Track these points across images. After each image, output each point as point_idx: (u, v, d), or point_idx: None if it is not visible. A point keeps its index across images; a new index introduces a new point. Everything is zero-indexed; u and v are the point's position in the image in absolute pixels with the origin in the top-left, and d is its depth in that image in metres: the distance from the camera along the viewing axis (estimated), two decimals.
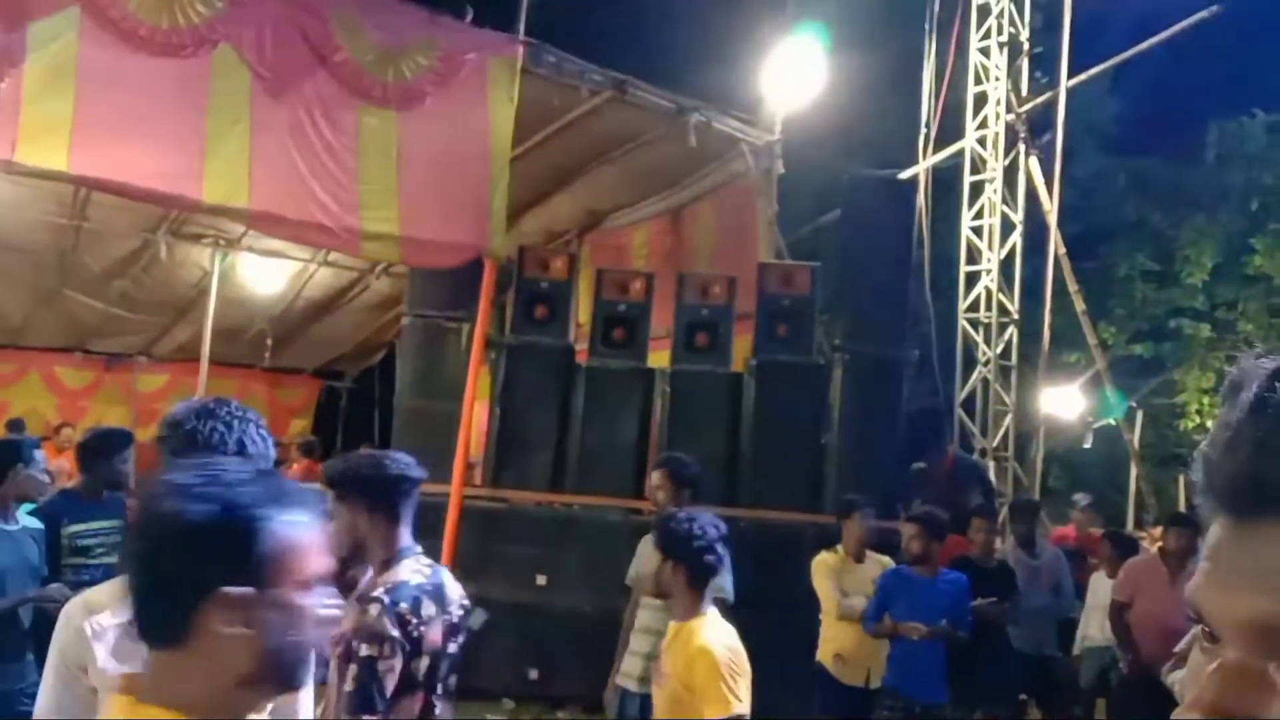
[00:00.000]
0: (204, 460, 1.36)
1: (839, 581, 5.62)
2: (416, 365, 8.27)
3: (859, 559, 5.72)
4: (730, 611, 7.23)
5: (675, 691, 3.14)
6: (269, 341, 13.72)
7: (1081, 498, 9.46)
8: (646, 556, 4.48)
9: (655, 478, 5.00)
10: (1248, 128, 16.26)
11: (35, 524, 4.28)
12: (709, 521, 3.43)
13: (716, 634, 3.21)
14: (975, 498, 8.27)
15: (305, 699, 2.14)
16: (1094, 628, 7.10)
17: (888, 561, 5.73)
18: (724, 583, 4.30)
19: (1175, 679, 2.41)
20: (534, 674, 7.40)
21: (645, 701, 4.37)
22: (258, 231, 9.20)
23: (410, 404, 8.20)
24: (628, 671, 4.76)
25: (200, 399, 2.20)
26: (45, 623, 4.04)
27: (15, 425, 11.15)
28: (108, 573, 4.76)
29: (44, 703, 2.06)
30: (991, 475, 11.09)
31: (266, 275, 12.47)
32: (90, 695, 2.02)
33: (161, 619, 1.27)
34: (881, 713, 5.26)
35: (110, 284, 12.18)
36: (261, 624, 1.23)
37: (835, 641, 5.61)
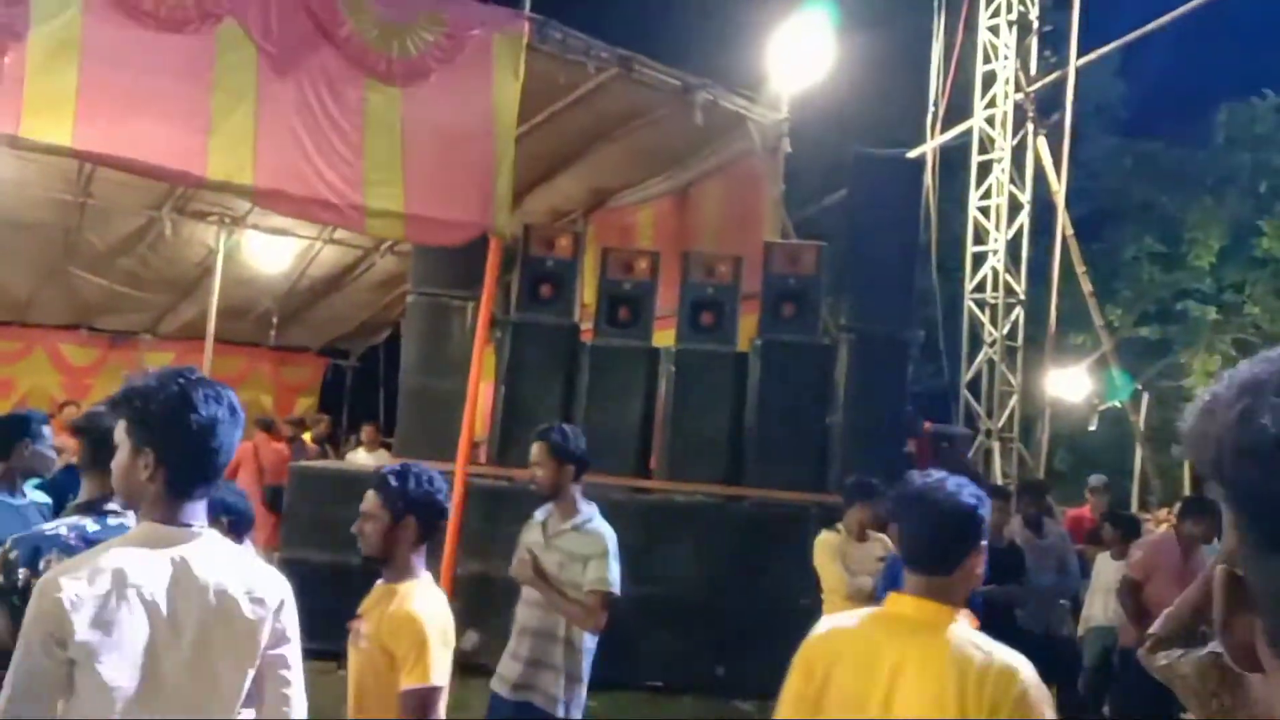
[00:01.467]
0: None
1: (843, 561, 5.62)
2: (421, 344, 8.26)
3: (861, 538, 5.71)
4: (734, 590, 7.25)
5: (373, 656, 2.91)
6: (274, 320, 13.71)
7: (1096, 479, 9.43)
8: (529, 544, 4.14)
9: (534, 451, 4.16)
10: (1257, 109, 16.16)
11: (43, 498, 4.28)
12: (439, 476, 3.16)
13: (428, 601, 2.96)
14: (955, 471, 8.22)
15: None
16: (1097, 608, 7.11)
17: (888, 540, 5.73)
18: (609, 575, 3.99)
19: (1156, 662, 2.39)
20: None
21: (520, 709, 4.04)
22: (263, 208, 9.16)
23: (415, 382, 8.19)
24: (503, 675, 4.17)
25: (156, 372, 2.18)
26: None
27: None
28: None
29: (20, 671, 1.93)
30: (996, 456, 11.09)
31: (272, 253, 12.46)
32: (67, 668, 1.94)
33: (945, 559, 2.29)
34: None
35: (115, 261, 12.18)
36: None
37: None
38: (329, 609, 7.93)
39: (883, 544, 5.70)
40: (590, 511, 4.18)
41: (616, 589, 4.02)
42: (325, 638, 7.89)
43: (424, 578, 3.07)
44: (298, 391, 15.51)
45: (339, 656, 7.54)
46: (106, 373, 13.56)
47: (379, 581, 3.11)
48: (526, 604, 4.17)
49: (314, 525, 7.68)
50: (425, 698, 2.82)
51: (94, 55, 5.68)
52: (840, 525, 5.73)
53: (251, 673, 2.12)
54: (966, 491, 2.34)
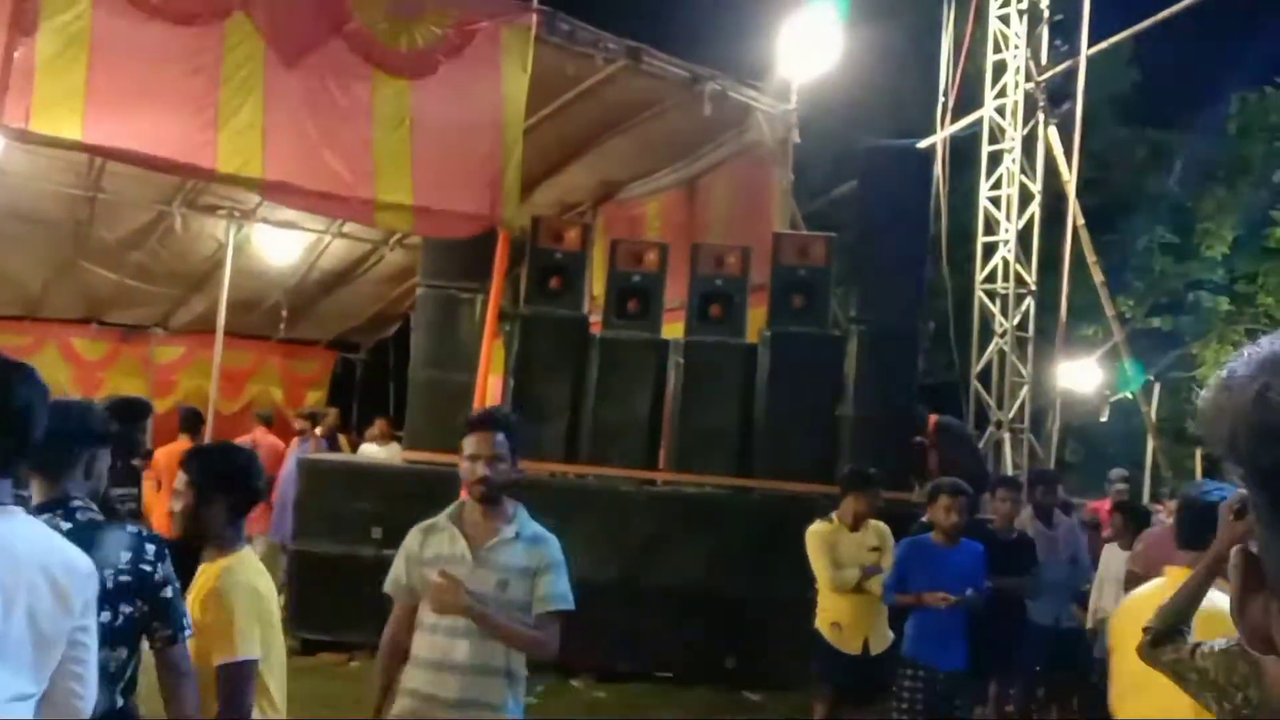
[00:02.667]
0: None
1: (833, 551, 5.60)
2: (431, 336, 8.27)
3: (854, 528, 5.69)
4: (743, 582, 7.25)
5: (195, 638, 2.81)
6: (284, 313, 13.74)
7: (1117, 473, 9.37)
8: (444, 563, 3.29)
9: (487, 442, 3.47)
10: (1269, 99, 16.05)
11: None
12: (250, 453, 3.20)
13: (240, 574, 2.92)
14: (962, 462, 8.20)
15: None
16: (1107, 599, 7.08)
17: (883, 528, 5.71)
18: (561, 589, 3.42)
19: (1163, 656, 2.34)
20: None
21: None
22: (272, 201, 9.20)
23: (424, 375, 8.20)
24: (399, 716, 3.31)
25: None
26: None
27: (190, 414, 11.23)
28: None
29: None
30: (1007, 447, 11.06)
31: (281, 247, 12.48)
32: None
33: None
34: (902, 682, 5.27)
35: (126, 255, 12.21)
36: None
37: (831, 611, 5.60)
38: (340, 601, 7.98)
39: (877, 532, 5.68)
40: (523, 513, 3.55)
41: (571, 605, 3.45)
42: (337, 629, 7.96)
43: (242, 552, 3.03)
44: (307, 385, 15.53)
45: (351, 649, 7.62)
46: (118, 367, 13.62)
47: (203, 563, 3.04)
48: (442, 633, 3.27)
49: (324, 517, 7.72)
50: (235, 671, 2.77)
51: (103, 50, 5.70)
52: (834, 514, 5.72)
53: (63, 647, 2.14)
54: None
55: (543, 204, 11.62)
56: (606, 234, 10.53)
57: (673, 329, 8.63)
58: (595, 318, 8.65)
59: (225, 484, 3.04)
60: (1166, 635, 2.35)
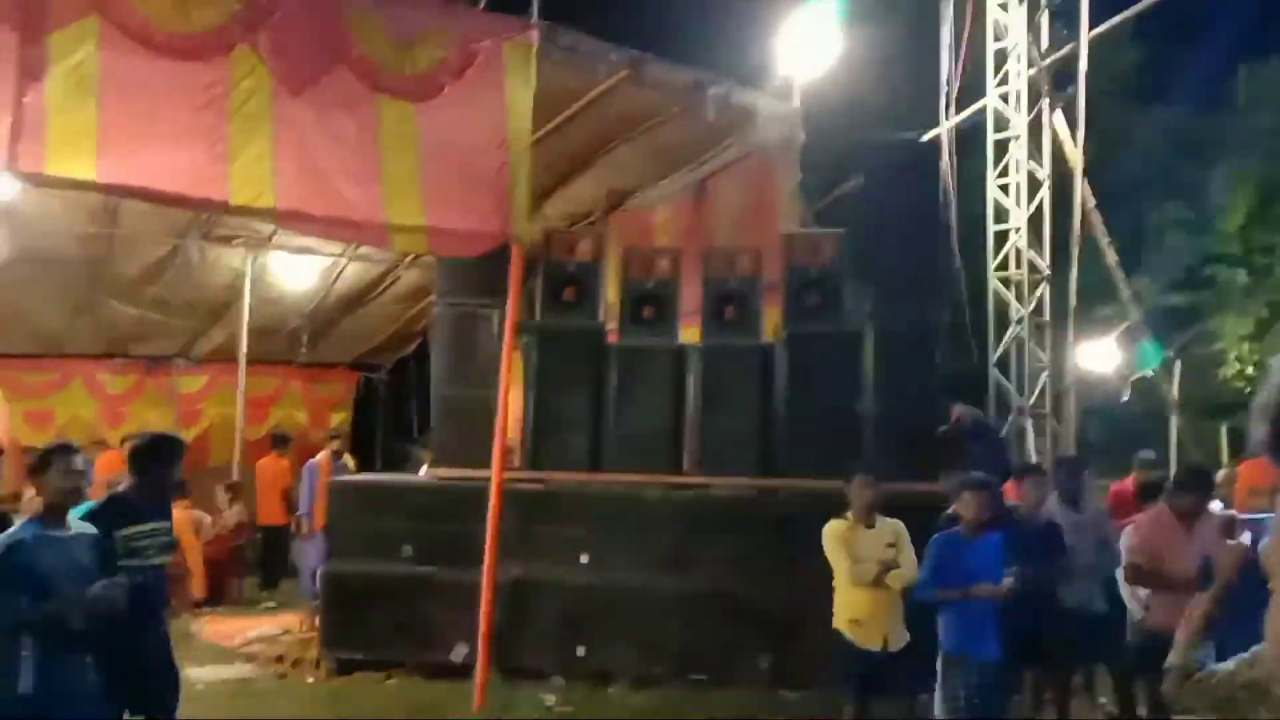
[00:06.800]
0: None
1: (850, 547, 5.63)
2: (450, 353, 8.33)
3: (869, 524, 5.71)
4: (774, 581, 7.27)
5: None
6: (304, 337, 13.87)
7: (1145, 455, 9.31)
8: None
9: None
10: (1277, 69, 15.97)
11: (89, 529, 4.36)
12: None
13: None
14: (979, 451, 8.21)
15: None
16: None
17: (898, 525, 5.73)
18: None
19: (1209, 684, 2.32)
20: (581, 651, 7.48)
21: None
22: (286, 229, 9.30)
23: (446, 392, 8.27)
24: None
25: None
26: (99, 624, 4.13)
27: (281, 439, 11.97)
28: (159, 574, 4.87)
29: None
30: (1030, 434, 11.04)
31: (298, 272, 12.60)
32: None
33: None
34: (952, 681, 5.30)
35: (145, 289, 12.35)
36: None
37: (850, 607, 5.62)
38: (374, 620, 8.05)
39: (892, 529, 5.71)
40: None
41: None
42: (372, 648, 8.04)
43: None
44: (331, 406, 15.65)
45: (387, 666, 7.69)
46: (143, 399, 13.76)
47: None
48: None
49: (355, 537, 7.79)
50: None
51: (112, 89, 5.78)
52: (849, 513, 5.74)
53: None
54: None
55: (554, 216, 11.69)
56: (618, 243, 10.58)
57: (689, 334, 8.66)
58: (612, 326, 8.69)
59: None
60: (1187, 671, 2.35)
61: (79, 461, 4.30)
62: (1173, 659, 2.41)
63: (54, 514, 4.22)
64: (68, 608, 4.04)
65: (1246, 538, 5.84)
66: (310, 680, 7.63)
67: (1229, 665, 2.14)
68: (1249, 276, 16.01)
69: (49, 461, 4.24)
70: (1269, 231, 16.05)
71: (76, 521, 4.37)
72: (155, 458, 4.93)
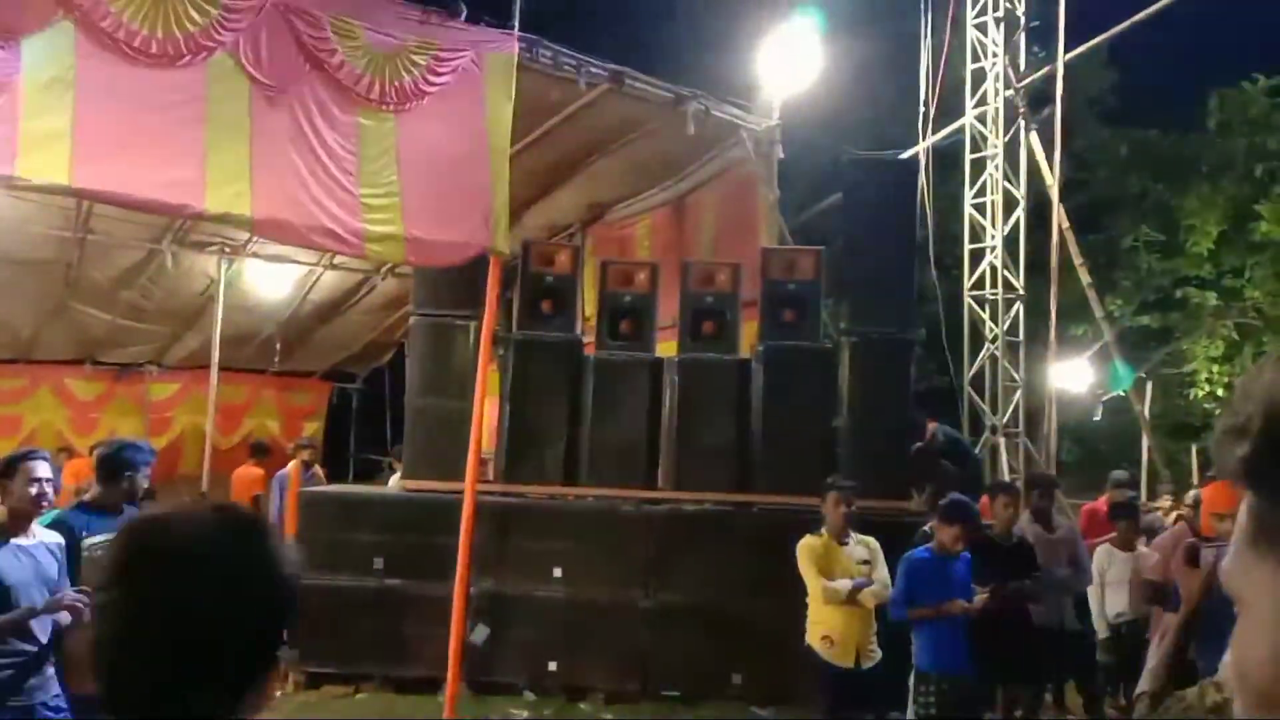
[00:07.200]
0: None
1: (824, 565, 5.63)
2: (426, 364, 8.30)
3: (842, 541, 5.72)
4: (747, 597, 7.26)
5: None
6: (278, 346, 13.76)
7: (1119, 475, 9.36)
8: None
9: None
10: (1248, 93, 16.14)
11: (55, 538, 4.30)
12: None
13: None
14: (954, 469, 8.22)
15: None
16: (1117, 601, 7.05)
17: (872, 542, 5.75)
18: None
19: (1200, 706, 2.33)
20: (553, 666, 7.44)
21: None
22: (262, 238, 9.23)
23: (421, 403, 8.23)
24: None
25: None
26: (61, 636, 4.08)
27: (260, 448, 11.76)
28: None
29: None
30: (1003, 452, 11.08)
31: (273, 280, 12.52)
32: None
33: None
34: (925, 699, 5.31)
35: (118, 295, 12.23)
36: None
37: (822, 624, 5.63)
38: (344, 632, 7.98)
39: (866, 546, 5.72)
40: None
41: None
42: (342, 661, 7.96)
43: None
44: (304, 416, 15.55)
45: (357, 680, 7.61)
46: (113, 406, 13.62)
47: None
48: None
49: (326, 549, 7.72)
50: None
51: (87, 94, 5.71)
52: (824, 529, 5.75)
53: None
54: None
55: (532, 228, 11.68)
56: (596, 255, 10.59)
57: (666, 347, 8.66)
58: (588, 339, 8.68)
59: None
60: (1164, 692, 2.37)
61: (45, 469, 4.24)
62: (1144, 684, 2.41)
63: (19, 521, 4.16)
64: (31, 617, 3.98)
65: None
66: (279, 694, 7.55)
67: (1195, 690, 2.15)
68: (1219, 298, 16.15)
69: (14, 468, 4.18)
70: (1239, 254, 16.21)
71: (42, 529, 4.31)
72: (123, 465, 4.86)
